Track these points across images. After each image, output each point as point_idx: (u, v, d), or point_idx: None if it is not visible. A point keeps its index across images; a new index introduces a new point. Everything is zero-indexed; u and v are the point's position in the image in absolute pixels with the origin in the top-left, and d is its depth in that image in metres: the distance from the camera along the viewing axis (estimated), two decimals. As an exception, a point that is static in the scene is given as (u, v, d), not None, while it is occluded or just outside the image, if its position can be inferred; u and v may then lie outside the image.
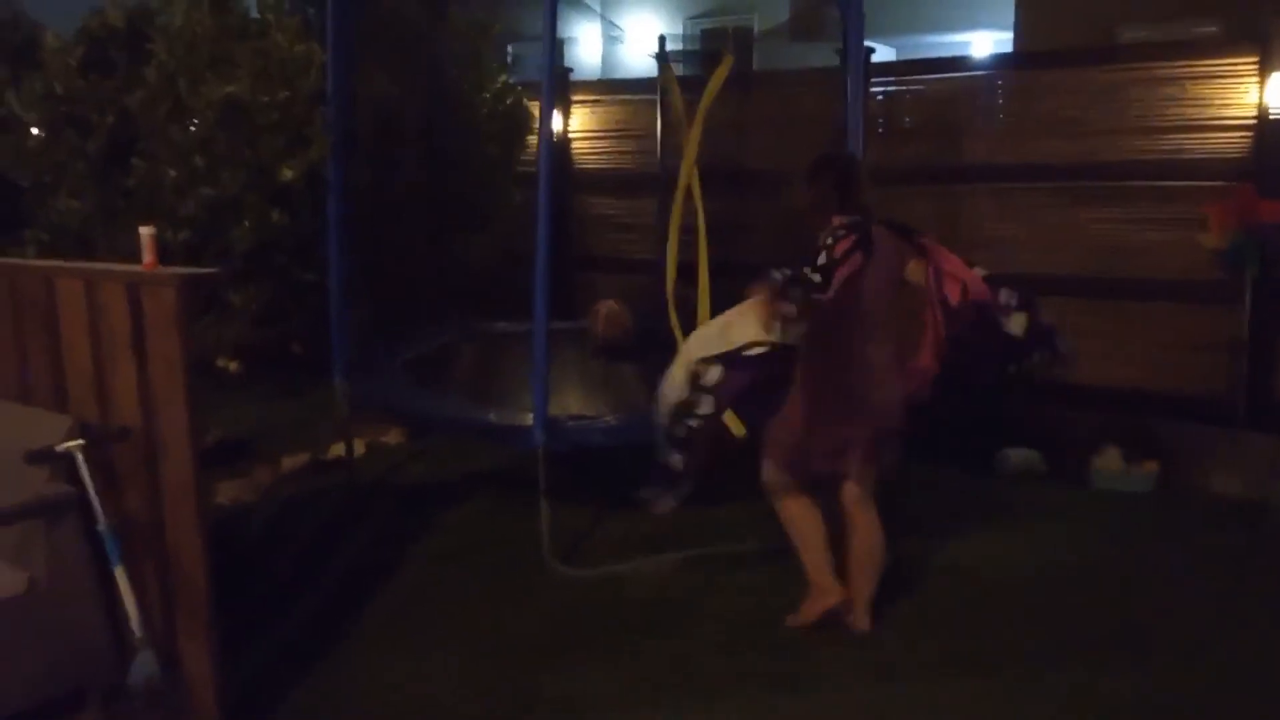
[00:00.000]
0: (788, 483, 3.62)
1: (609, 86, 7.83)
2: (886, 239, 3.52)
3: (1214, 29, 8.13)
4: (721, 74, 4.48)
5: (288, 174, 4.81)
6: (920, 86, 6.16)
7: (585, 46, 16.07)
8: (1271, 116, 4.99)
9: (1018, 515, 4.78)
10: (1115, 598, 3.91)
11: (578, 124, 7.25)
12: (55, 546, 2.89)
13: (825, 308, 3.30)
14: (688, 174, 4.85)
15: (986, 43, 13.89)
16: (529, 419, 4.14)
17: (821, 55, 6.31)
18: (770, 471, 3.63)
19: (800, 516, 3.64)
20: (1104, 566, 4.19)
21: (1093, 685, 3.27)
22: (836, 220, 3.41)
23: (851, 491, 3.61)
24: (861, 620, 3.61)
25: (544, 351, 4.02)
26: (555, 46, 4.01)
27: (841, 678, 3.33)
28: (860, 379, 3.46)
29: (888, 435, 3.57)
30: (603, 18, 14.00)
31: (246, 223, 4.88)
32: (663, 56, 5.84)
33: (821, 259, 3.27)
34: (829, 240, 3.32)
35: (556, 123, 7.28)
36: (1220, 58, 5.19)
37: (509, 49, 6.76)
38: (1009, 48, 12.42)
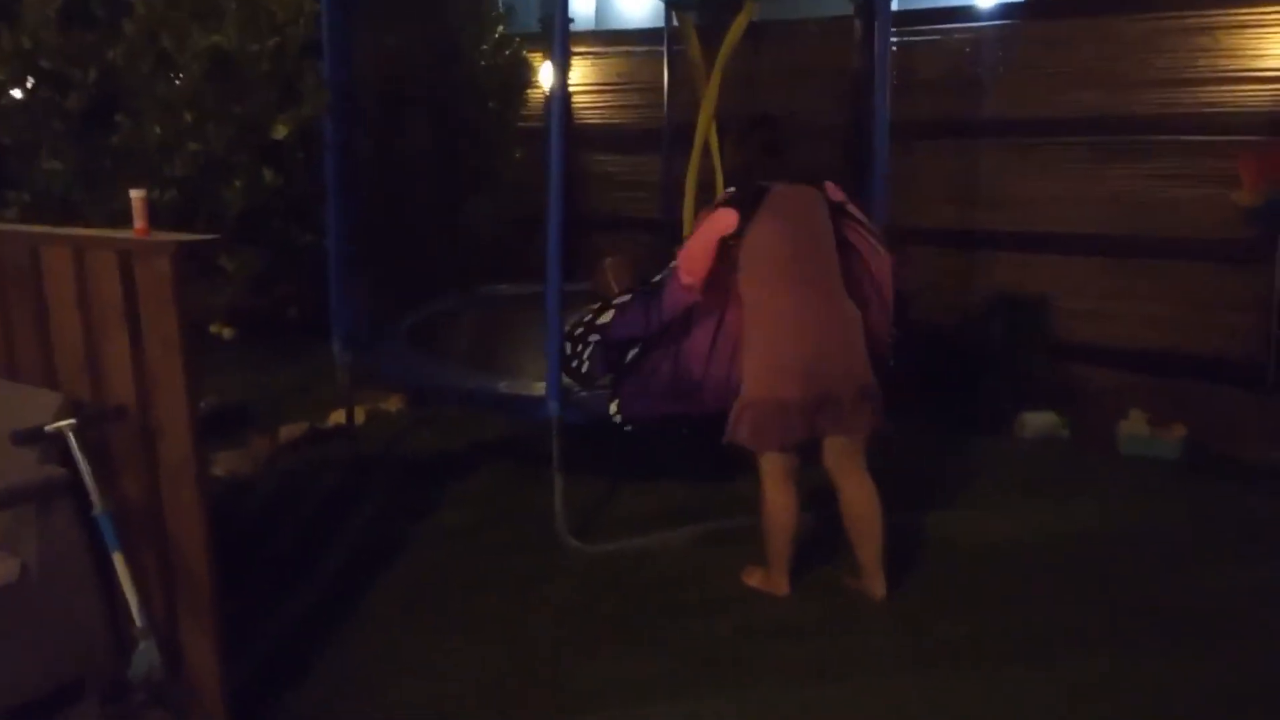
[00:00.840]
0: (775, 462, 3.44)
1: (611, 38, 7.55)
2: (803, 197, 3.40)
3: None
4: (742, 23, 4.22)
5: (281, 131, 4.57)
6: (937, 36, 5.93)
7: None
8: (1308, 68, 4.80)
9: (1041, 483, 4.65)
10: (1148, 572, 3.77)
11: (578, 78, 6.99)
12: (48, 532, 2.71)
13: (726, 276, 3.30)
14: (705, 128, 4.63)
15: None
16: (541, 389, 3.96)
17: (823, 4, 6.08)
18: (756, 455, 3.48)
19: (780, 509, 3.50)
20: (1133, 539, 4.05)
21: (1136, 667, 3.14)
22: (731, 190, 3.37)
23: (830, 453, 3.46)
24: (877, 587, 3.51)
25: (557, 318, 3.82)
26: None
27: (874, 663, 3.18)
28: (799, 339, 3.30)
29: (860, 392, 3.36)
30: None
31: (238, 183, 4.64)
32: (679, 3, 5.57)
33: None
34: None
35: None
36: (1255, 6, 4.96)
37: (499, -1, 6.48)
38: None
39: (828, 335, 3.33)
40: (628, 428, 3.67)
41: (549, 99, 6.98)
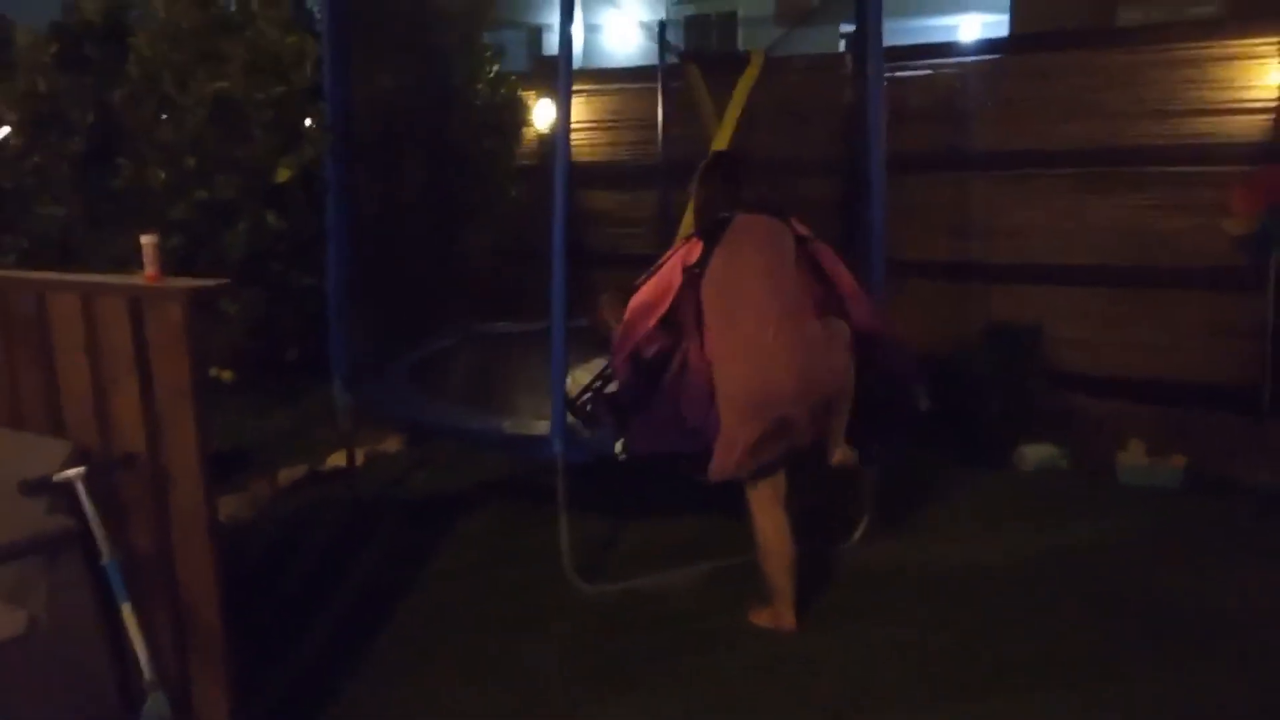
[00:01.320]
0: (763, 489, 3.51)
1: (604, 76, 7.61)
2: (761, 224, 3.51)
3: (1211, 9, 8.05)
4: (752, 74, 4.18)
5: (284, 174, 4.58)
6: (927, 71, 6.00)
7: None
8: (1295, 98, 4.87)
9: (1045, 515, 4.65)
10: (1160, 601, 3.78)
11: (573, 115, 7.01)
12: (56, 584, 2.69)
13: (688, 307, 3.41)
14: None
15: (975, 26, 13.82)
16: (544, 428, 3.95)
17: (808, 41, 6.16)
18: (744, 486, 3.54)
19: (776, 538, 3.54)
20: (1141, 569, 4.05)
21: (1165, 693, 3.14)
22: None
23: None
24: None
25: (562, 356, 3.82)
26: (570, 32, 3.79)
27: (902, 698, 3.17)
28: (760, 362, 3.37)
29: (827, 406, 3.44)
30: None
31: (241, 226, 4.64)
32: (667, 47, 5.60)
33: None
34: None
35: (552, 114, 7.08)
36: (1239, 39, 5.05)
37: (484, 36, 6.53)
38: (998, 31, 12.36)
39: (790, 356, 3.38)
40: (628, 459, 3.66)
41: (544, 137, 7.06)
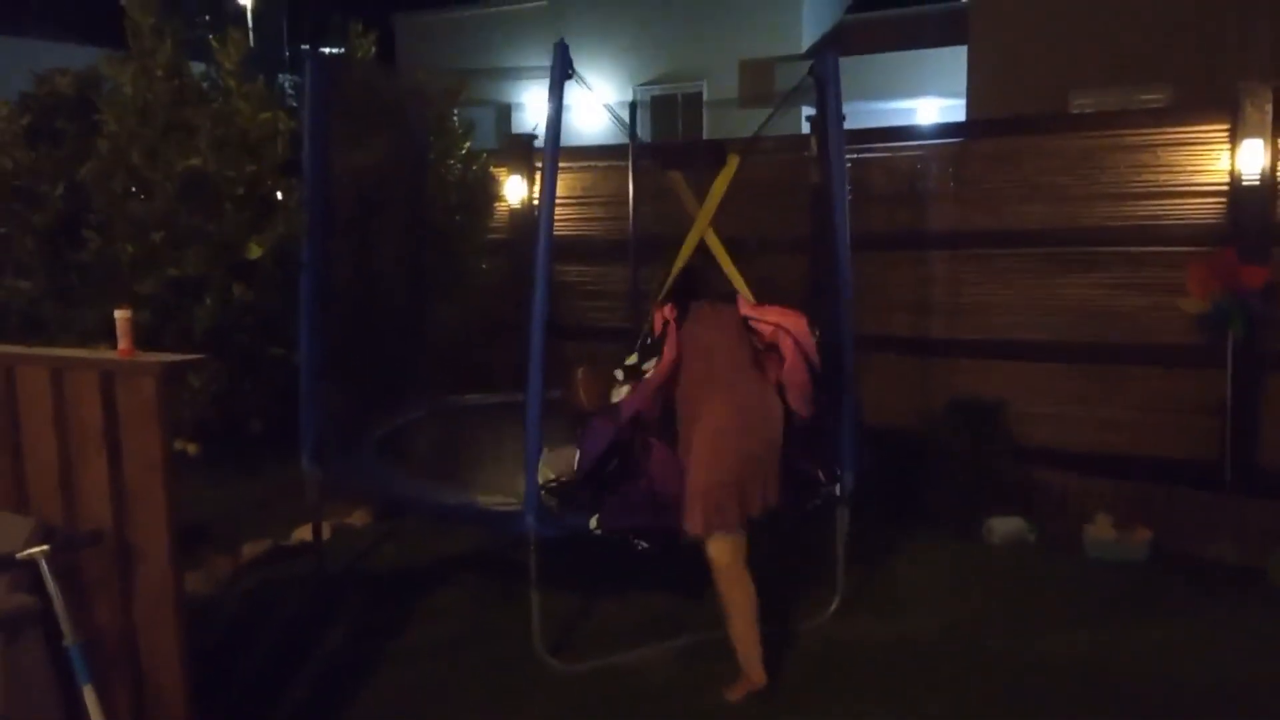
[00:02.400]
0: (726, 546, 3.59)
1: (575, 153, 7.73)
2: (717, 310, 3.96)
3: (1162, 96, 8.39)
4: (728, 175, 4.27)
5: (255, 251, 4.56)
6: (887, 154, 6.15)
7: (533, 112, 16.08)
8: (1244, 183, 5.05)
9: (1015, 589, 4.67)
10: (1138, 680, 3.79)
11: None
12: (15, 665, 2.61)
13: (666, 383, 3.75)
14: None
15: (932, 109, 14.22)
16: (516, 502, 3.92)
17: (773, 123, 6.31)
18: (716, 554, 3.61)
19: (742, 595, 3.62)
20: (1115, 646, 4.06)
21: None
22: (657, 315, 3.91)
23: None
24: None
25: (536, 430, 3.81)
26: (560, 113, 3.87)
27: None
28: (729, 422, 3.62)
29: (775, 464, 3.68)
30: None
31: (209, 300, 4.61)
32: (635, 131, 5.69)
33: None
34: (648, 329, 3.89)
35: (523, 190, 7.16)
36: (1191, 125, 5.25)
37: (454, 114, 6.63)
38: (954, 115, 12.74)
39: (751, 415, 3.67)
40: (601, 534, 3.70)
41: (514, 211, 7.13)
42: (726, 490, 3.54)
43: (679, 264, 4.12)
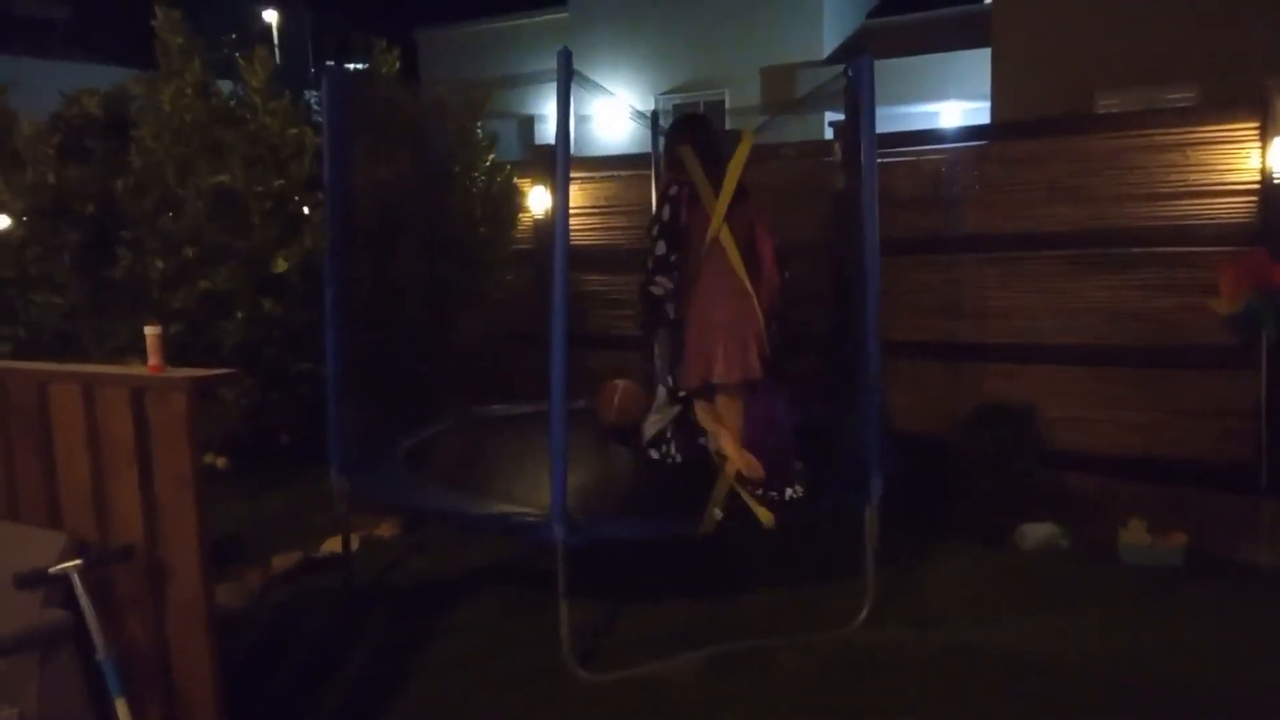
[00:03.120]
0: (713, 405, 4.44)
1: (598, 163, 7.76)
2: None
3: (1190, 95, 8.29)
4: (743, 153, 4.36)
5: (281, 265, 4.61)
6: (912, 158, 6.13)
7: (554, 124, 16.14)
8: (1275, 181, 4.98)
9: (1049, 597, 4.61)
10: (1178, 688, 3.73)
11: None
12: (49, 679, 2.63)
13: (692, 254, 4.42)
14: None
15: (955, 113, 14.16)
16: (543, 512, 3.92)
17: (795, 129, 6.32)
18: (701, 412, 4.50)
19: (726, 432, 4.38)
20: (1155, 654, 3.99)
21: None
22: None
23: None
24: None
25: (562, 438, 3.81)
26: (568, 120, 3.87)
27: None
28: (743, 302, 4.40)
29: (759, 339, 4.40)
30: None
31: (239, 315, 4.66)
32: (660, 132, 5.75)
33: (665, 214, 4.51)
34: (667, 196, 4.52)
35: (546, 201, 7.19)
36: (1220, 123, 5.17)
37: (478, 126, 6.67)
38: (978, 118, 12.66)
39: (745, 302, 4.43)
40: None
41: (538, 222, 7.16)
42: (732, 347, 4.36)
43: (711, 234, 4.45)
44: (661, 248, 4.49)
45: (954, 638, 4.15)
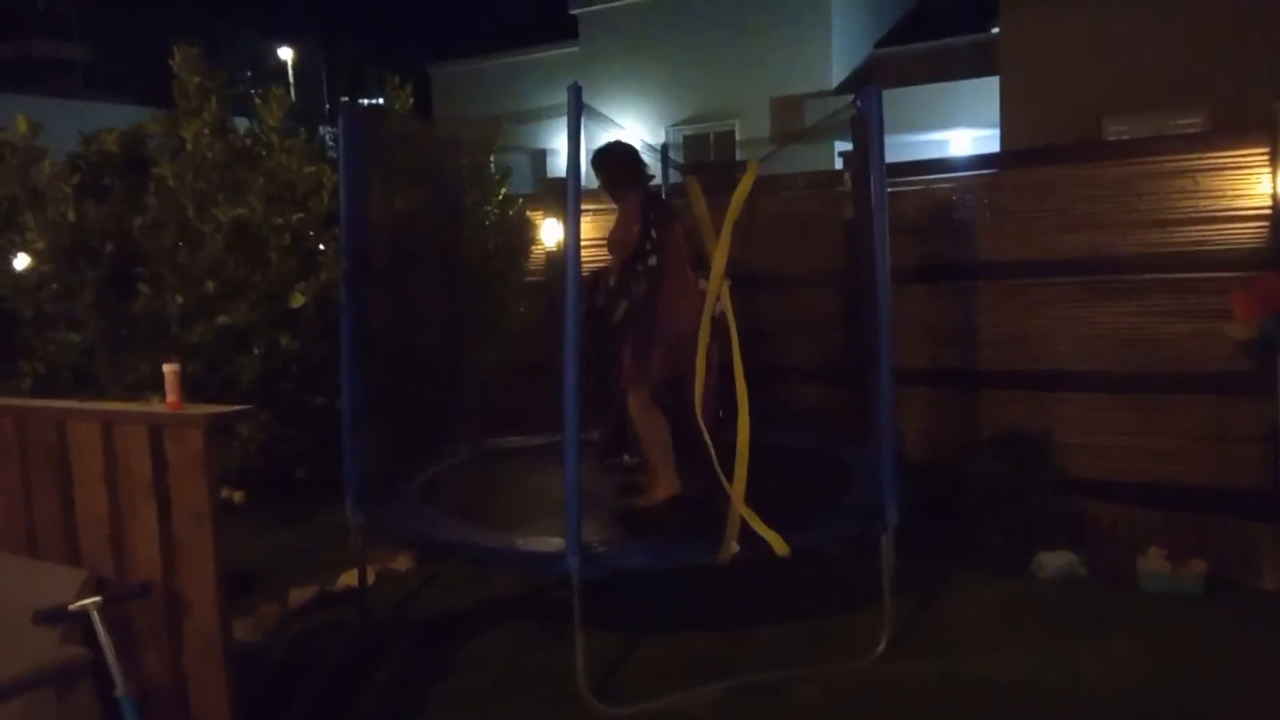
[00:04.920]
0: (651, 407, 4.62)
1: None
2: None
3: (1198, 120, 8.32)
4: (747, 183, 4.37)
5: (298, 300, 4.66)
6: (921, 186, 6.15)
7: (566, 158, 16.25)
8: (1287, 206, 4.98)
9: (1070, 626, 4.56)
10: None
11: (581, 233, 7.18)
12: (67, 716, 2.64)
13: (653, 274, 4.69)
14: (718, 285, 4.73)
15: (965, 141, 14.20)
16: (558, 544, 3.93)
17: (804, 159, 6.35)
18: (638, 404, 4.65)
19: (659, 429, 4.62)
20: (1180, 684, 3.95)
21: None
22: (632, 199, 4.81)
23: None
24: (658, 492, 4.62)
25: (576, 470, 3.82)
26: (578, 154, 3.92)
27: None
28: (679, 327, 4.53)
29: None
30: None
31: (256, 350, 4.70)
32: (679, 166, 5.80)
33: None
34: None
35: (559, 232, 7.22)
36: (1229, 149, 5.18)
37: (491, 160, 6.74)
38: (987, 146, 12.71)
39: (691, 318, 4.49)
40: None
41: (551, 255, 7.20)
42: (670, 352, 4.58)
43: (715, 272, 4.38)
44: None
45: (973, 668, 4.11)
